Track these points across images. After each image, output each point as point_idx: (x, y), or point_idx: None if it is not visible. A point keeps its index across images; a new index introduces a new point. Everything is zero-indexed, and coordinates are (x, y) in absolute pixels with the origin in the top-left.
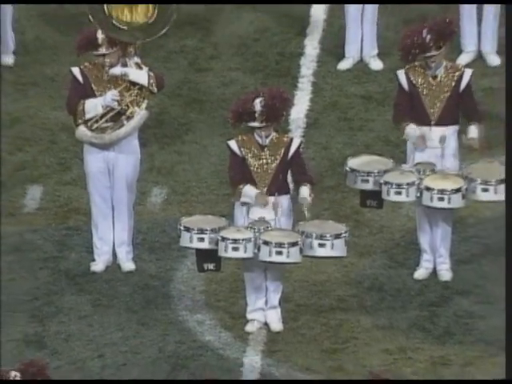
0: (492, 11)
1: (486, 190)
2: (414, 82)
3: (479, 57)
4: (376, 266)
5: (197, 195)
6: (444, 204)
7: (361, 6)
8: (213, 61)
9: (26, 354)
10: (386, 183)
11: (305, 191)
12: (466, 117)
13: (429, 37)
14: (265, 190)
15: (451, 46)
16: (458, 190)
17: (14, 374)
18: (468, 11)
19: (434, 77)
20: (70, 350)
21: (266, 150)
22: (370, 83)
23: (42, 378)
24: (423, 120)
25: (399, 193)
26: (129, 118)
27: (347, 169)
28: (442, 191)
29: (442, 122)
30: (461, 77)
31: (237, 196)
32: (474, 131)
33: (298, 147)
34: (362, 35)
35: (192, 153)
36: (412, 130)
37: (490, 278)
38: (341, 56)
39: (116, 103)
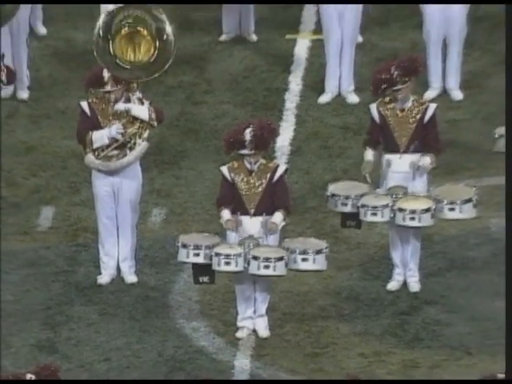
0: (456, 50)
1: (452, 210)
2: (384, 114)
3: (444, 92)
4: (353, 279)
5: (193, 215)
6: (415, 223)
7: (340, 45)
8: (207, 95)
9: (39, 358)
10: (363, 206)
11: (277, 217)
12: (426, 146)
13: (396, 72)
14: (253, 210)
15: (419, 83)
16: (427, 210)
17: (30, 376)
18: (434, 50)
19: (402, 110)
20: (79, 355)
21: (253, 174)
22: (347, 115)
23: (55, 379)
24: (393, 148)
25: (375, 214)
26: (131, 149)
27: (328, 194)
28: (413, 211)
29: (409, 149)
30: (425, 110)
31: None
32: (425, 160)
33: (283, 173)
34: (340, 72)
35: (188, 177)
36: (366, 152)
37: (454, 289)
38: (321, 91)
39: (120, 135)
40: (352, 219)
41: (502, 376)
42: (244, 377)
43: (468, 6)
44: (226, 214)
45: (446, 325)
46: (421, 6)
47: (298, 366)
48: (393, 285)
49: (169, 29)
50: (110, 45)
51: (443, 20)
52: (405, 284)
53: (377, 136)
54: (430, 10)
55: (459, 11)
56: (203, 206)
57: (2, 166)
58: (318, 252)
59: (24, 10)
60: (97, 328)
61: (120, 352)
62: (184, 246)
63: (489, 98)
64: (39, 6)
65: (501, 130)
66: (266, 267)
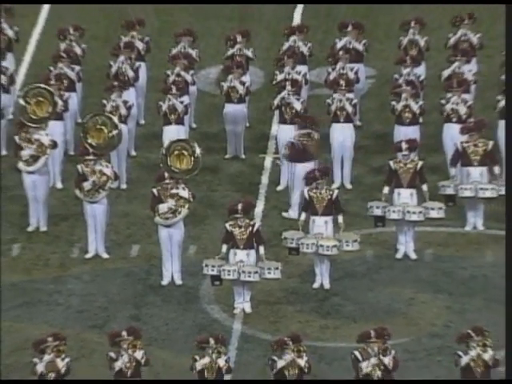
0: (348, 164)
1: (347, 245)
2: (311, 195)
3: (342, 185)
4: (295, 282)
5: (211, 249)
6: (328, 252)
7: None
8: (218, 186)
9: (131, 323)
10: (302, 243)
11: (262, 251)
12: (336, 211)
13: (317, 174)
14: (242, 246)
15: (329, 180)
16: (334, 246)
17: (123, 333)
18: (336, 164)
19: (320, 193)
20: (152, 322)
21: (242, 228)
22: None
23: (137, 335)
24: (315, 213)
25: (307, 248)
26: (179, 213)
27: (282, 237)
28: (327, 246)
29: (324, 213)
30: (332, 193)
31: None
32: (340, 219)
33: (258, 227)
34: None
35: (209, 229)
36: (301, 216)
37: (348, 287)
38: (278, 183)
39: (173, 206)
40: (295, 250)
41: (372, 333)
42: (237, 334)
43: (354, 141)
44: (224, 248)
45: (343, 306)
46: (330, 141)
47: (266, 327)
48: (316, 285)
49: (198, 151)
50: (168, 160)
51: (341, 147)
52: (322, 285)
53: (307, 207)
54: (334, 143)
55: (349, 144)
56: (216, 245)
57: (113, 223)
58: (277, 268)
59: (124, 142)
60: (161, 308)
61: (172, 321)
62: (206, 265)
63: (364, 188)
64: (133, 140)
65: (371, 203)
66: (249, 276)
